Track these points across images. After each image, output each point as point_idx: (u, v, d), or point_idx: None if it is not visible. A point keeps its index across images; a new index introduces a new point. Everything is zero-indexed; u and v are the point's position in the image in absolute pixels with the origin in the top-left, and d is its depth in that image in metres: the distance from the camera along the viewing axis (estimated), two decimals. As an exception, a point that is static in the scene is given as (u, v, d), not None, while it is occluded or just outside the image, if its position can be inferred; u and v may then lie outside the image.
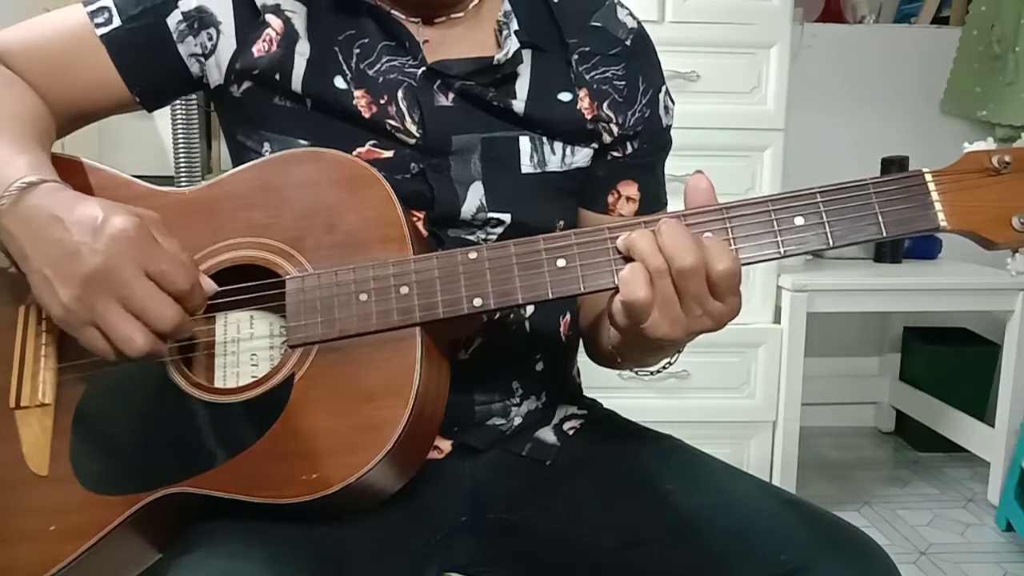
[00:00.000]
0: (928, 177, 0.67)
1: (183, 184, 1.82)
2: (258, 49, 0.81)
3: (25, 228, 0.67)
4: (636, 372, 0.83)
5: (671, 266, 0.64)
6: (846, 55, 2.52)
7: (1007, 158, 0.67)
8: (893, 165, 2.12)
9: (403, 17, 0.83)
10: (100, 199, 0.68)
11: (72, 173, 0.78)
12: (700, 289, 0.65)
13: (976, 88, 2.49)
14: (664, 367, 0.81)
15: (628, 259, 0.67)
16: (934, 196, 0.67)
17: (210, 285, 0.70)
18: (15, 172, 0.68)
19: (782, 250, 0.67)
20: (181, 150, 1.85)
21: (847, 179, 0.68)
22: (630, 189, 0.90)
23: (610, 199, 0.90)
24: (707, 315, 0.66)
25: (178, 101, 1.76)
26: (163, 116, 1.86)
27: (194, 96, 1.80)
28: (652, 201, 0.91)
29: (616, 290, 0.67)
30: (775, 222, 0.67)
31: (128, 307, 0.65)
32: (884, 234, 0.67)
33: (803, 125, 2.26)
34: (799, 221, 0.67)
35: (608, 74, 0.87)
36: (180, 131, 1.85)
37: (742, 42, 1.92)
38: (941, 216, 0.67)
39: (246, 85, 0.82)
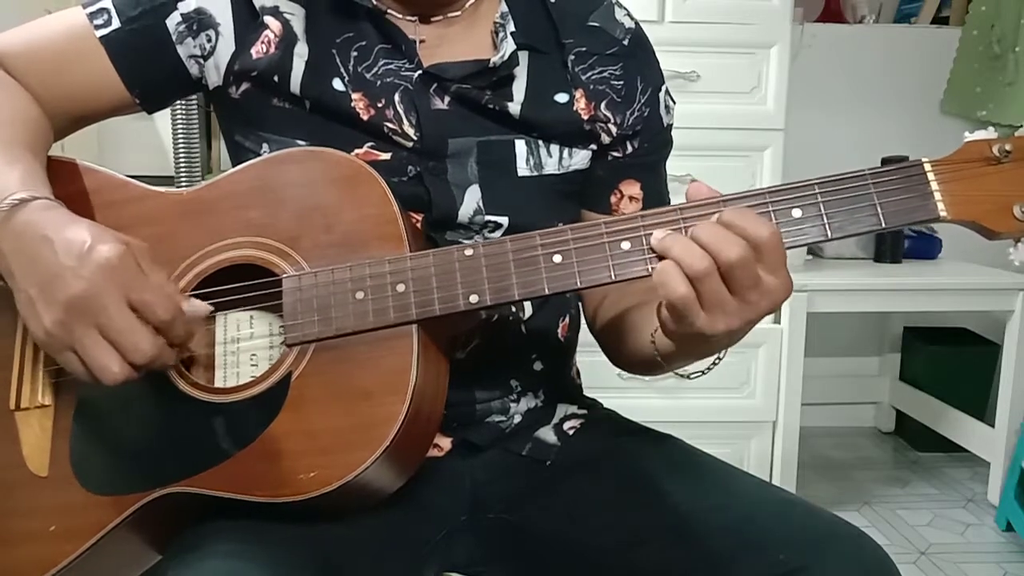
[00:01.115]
0: (927, 167, 0.67)
1: (183, 184, 1.83)
2: (257, 51, 0.81)
3: (13, 245, 0.66)
4: (689, 376, 0.79)
5: (718, 261, 0.63)
6: (846, 55, 2.51)
7: (1008, 147, 0.66)
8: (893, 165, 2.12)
9: (399, 16, 0.83)
10: (91, 222, 0.67)
11: (68, 175, 0.78)
12: (751, 275, 0.64)
13: (976, 88, 2.48)
14: (714, 363, 0.78)
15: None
16: (934, 186, 0.66)
17: (196, 311, 0.69)
18: (7, 186, 0.68)
19: None
20: (181, 150, 1.86)
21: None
22: (632, 188, 0.90)
23: (613, 199, 0.90)
24: (763, 296, 0.65)
25: (178, 102, 1.76)
26: (163, 116, 1.86)
27: (194, 96, 1.80)
28: (655, 200, 0.91)
29: (653, 299, 0.66)
30: (772, 214, 0.67)
31: (106, 335, 0.65)
32: (883, 225, 0.66)
33: (803, 125, 2.25)
34: (797, 213, 0.67)
35: (605, 74, 0.87)
36: (180, 131, 1.85)
37: (742, 42, 1.92)
38: (941, 206, 0.66)
39: (245, 86, 0.82)
